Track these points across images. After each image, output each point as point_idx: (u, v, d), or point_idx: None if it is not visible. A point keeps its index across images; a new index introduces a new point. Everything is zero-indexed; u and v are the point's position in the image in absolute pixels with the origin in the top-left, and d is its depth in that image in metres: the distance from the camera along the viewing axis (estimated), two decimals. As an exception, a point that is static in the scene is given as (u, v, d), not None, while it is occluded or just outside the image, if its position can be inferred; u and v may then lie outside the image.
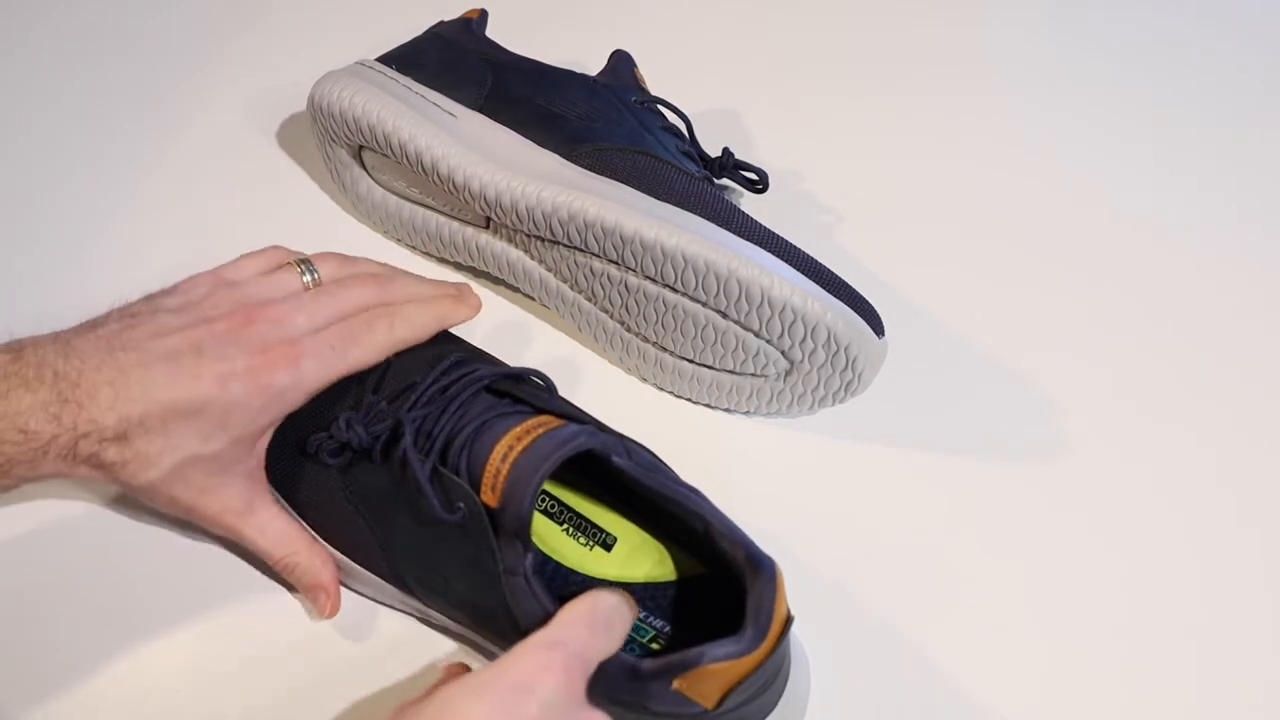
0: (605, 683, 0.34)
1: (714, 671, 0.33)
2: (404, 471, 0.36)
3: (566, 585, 0.40)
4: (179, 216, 0.53)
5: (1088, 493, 0.47)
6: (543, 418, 0.37)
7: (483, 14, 0.53)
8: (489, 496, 0.35)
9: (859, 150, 0.60)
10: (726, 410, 0.48)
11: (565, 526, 0.41)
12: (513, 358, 0.45)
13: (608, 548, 0.40)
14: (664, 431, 0.47)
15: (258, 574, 0.41)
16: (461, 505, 0.35)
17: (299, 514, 0.40)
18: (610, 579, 0.39)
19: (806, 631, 0.42)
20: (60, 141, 0.56)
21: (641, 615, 0.39)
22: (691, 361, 0.47)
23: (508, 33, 0.54)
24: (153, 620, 0.40)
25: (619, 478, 0.37)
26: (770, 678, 0.35)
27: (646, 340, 0.47)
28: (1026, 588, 0.44)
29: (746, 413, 0.48)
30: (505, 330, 0.50)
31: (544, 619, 0.34)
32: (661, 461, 0.38)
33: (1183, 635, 0.43)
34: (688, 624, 0.39)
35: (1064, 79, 0.66)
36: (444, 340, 0.43)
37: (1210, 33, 0.70)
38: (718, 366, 0.46)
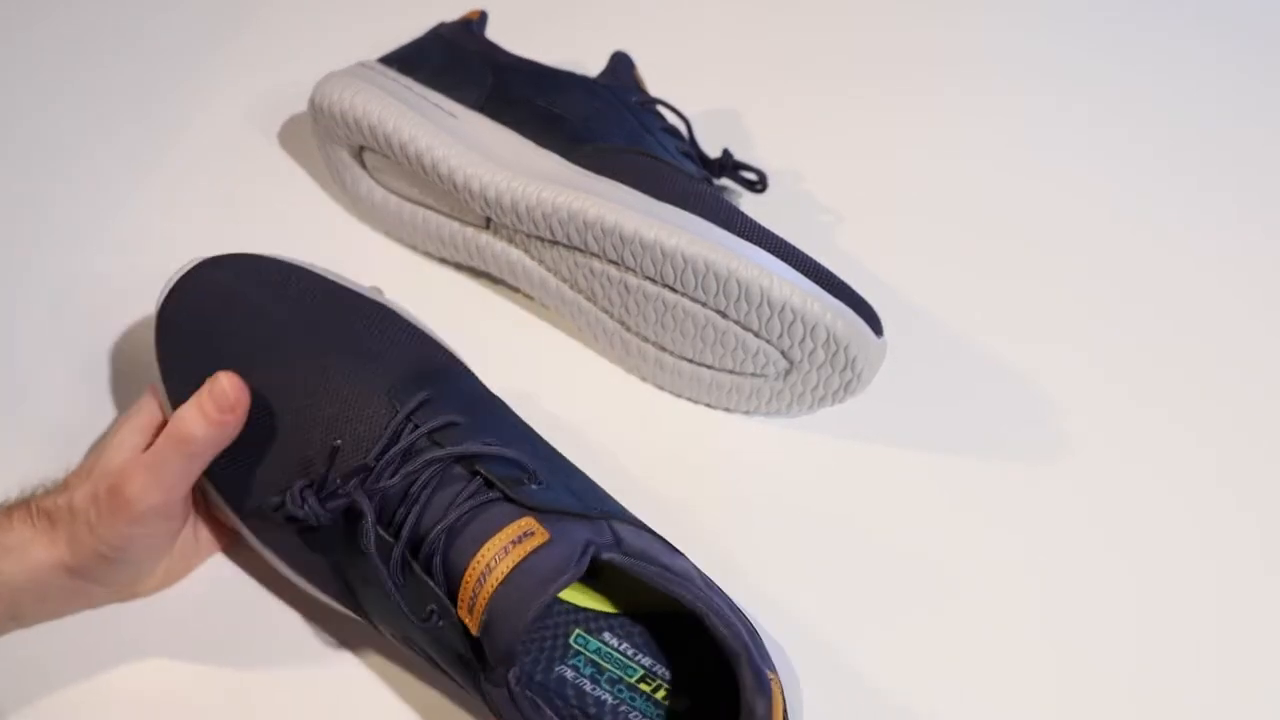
0: None
1: None
2: (369, 560, 0.33)
3: (549, 615, 0.37)
4: (179, 216, 0.53)
5: (1088, 492, 0.47)
6: (525, 523, 0.33)
7: (483, 15, 0.54)
8: (467, 618, 0.32)
9: (859, 150, 0.60)
10: (726, 410, 0.48)
11: None
12: (513, 358, 0.45)
13: (593, 575, 0.37)
14: (664, 431, 0.47)
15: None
16: (435, 612, 0.32)
17: (281, 559, 0.38)
18: (595, 609, 0.37)
19: (807, 631, 0.42)
20: (60, 141, 0.56)
21: (629, 652, 0.37)
22: (691, 361, 0.47)
23: (508, 33, 0.54)
24: (150, 629, 0.40)
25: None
26: None
27: (646, 340, 0.47)
28: (1027, 587, 0.44)
29: (746, 413, 0.48)
30: (505, 330, 0.50)
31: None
32: (653, 535, 0.36)
33: (1184, 633, 0.43)
34: (676, 661, 0.37)
35: (1064, 78, 0.66)
36: (409, 346, 0.39)
37: (1210, 32, 0.70)
38: (718, 366, 0.46)
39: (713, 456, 0.47)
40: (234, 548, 0.42)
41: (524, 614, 0.31)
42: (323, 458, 0.36)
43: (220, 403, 0.36)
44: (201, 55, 0.61)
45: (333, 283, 0.41)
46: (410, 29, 0.53)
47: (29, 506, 0.37)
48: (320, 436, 0.36)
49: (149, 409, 0.39)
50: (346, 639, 0.40)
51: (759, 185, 0.52)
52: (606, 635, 0.37)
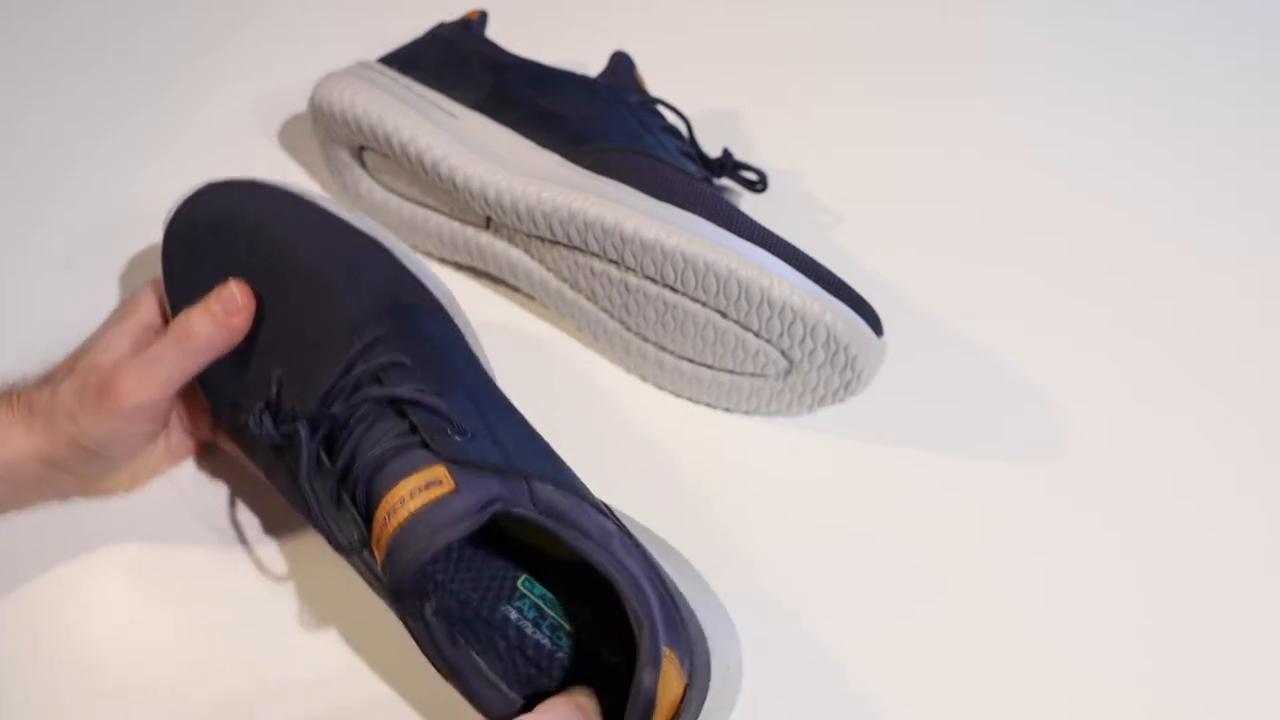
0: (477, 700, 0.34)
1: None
2: (300, 487, 0.35)
3: (501, 554, 0.39)
4: (180, 217, 0.53)
5: (1090, 489, 0.47)
6: (437, 471, 0.34)
7: (483, 15, 0.54)
8: (377, 551, 0.34)
9: (859, 150, 0.60)
10: (726, 410, 0.48)
11: None
12: (513, 357, 0.45)
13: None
14: (664, 431, 0.47)
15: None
16: (361, 541, 0.34)
17: (257, 464, 0.40)
18: (546, 553, 0.39)
19: (807, 631, 0.42)
20: (60, 141, 0.56)
21: (573, 601, 0.38)
22: (691, 361, 0.47)
23: (508, 33, 0.54)
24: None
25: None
26: None
27: (646, 340, 0.47)
28: (1027, 585, 0.44)
29: (746, 413, 0.48)
30: (505, 330, 0.50)
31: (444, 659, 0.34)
32: (576, 487, 0.36)
33: (1187, 631, 0.43)
34: (619, 617, 0.37)
35: (1064, 76, 0.66)
36: (377, 280, 0.41)
37: (1209, 30, 0.70)
38: (718, 366, 0.46)
39: (713, 456, 0.47)
40: (204, 455, 0.44)
41: (417, 558, 0.32)
42: (289, 378, 0.38)
43: (228, 306, 0.38)
44: (201, 55, 0.61)
45: (329, 212, 0.43)
46: (410, 29, 0.53)
47: (10, 396, 0.38)
48: (288, 358, 0.38)
49: (144, 310, 0.41)
50: (310, 555, 0.42)
51: (759, 185, 0.52)
52: (553, 583, 0.39)
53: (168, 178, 0.55)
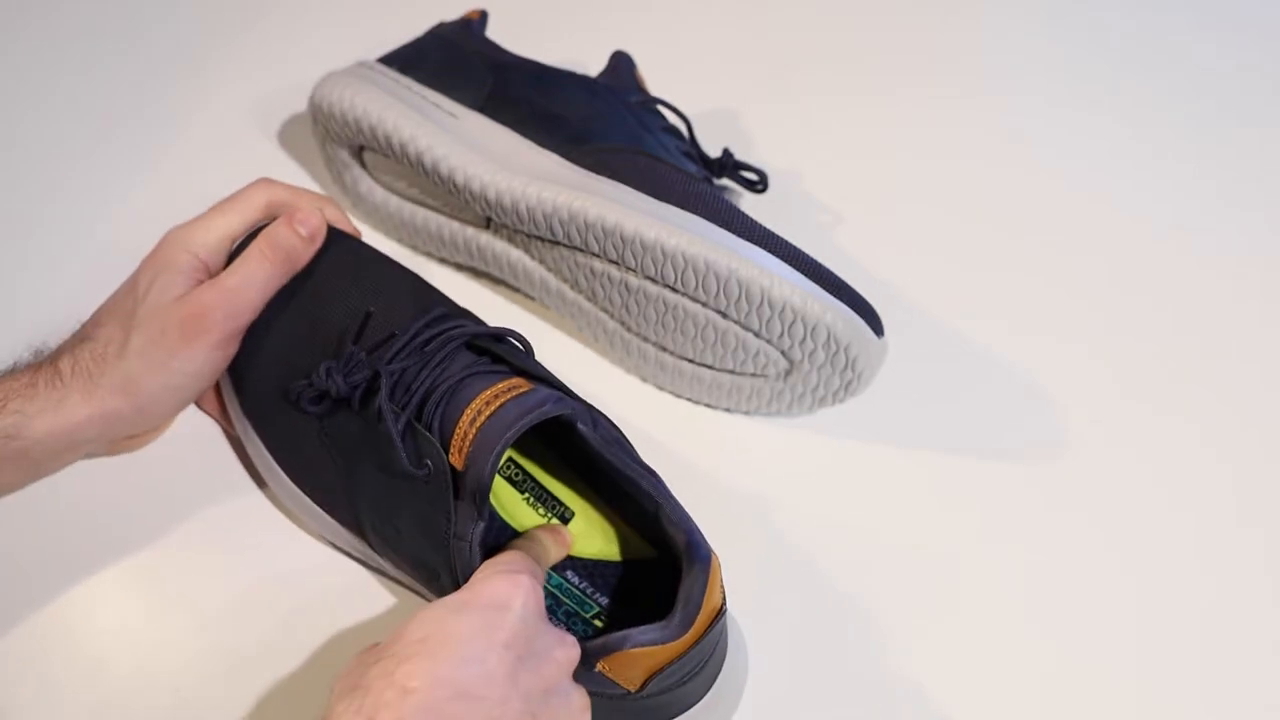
0: None
1: (637, 656, 0.33)
2: (378, 422, 0.37)
3: None
4: (180, 216, 0.53)
5: (1090, 490, 0.47)
6: (515, 380, 0.37)
7: (483, 15, 0.54)
8: (456, 458, 0.35)
9: (859, 150, 0.60)
10: (726, 410, 0.48)
11: (527, 496, 0.41)
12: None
13: (565, 521, 0.41)
14: (664, 431, 0.47)
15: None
16: (429, 463, 0.36)
17: (274, 456, 0.41)
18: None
19: (806, 630, 0.42)
20: (60, 142, 0.56)
21: (589, 590, 0.40)
22: (691, 361, 0.47)
23: (508, 33, 0.54)
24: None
25: (582, 448, 0.37)
26: (698, 665, 0.35)
27: (646, 340, 0.47)
28: (1027, 585, 0.44)
29: (746, 413, 0.48)
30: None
31: None
32: (626, 440, 0.39)
33: (1184, 632, 0.43)
34: (631, 604, 0.39)
35: (1064, 77, 0.66)
36: (426, 293, 0.43)
37: (1210, 30, 0.69)
38: (718, 366, 0.46)
39: (713, 456, 0.47)
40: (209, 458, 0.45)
41: (501, 438, 0.34)
42: (350, 336, 0.40)
43: (304, 224, 0.42)
44: (201, 55, 0.61)
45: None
46: (410, 29, 0.53)
47: (53, 367, 0.39)
48: (341, 333, 0.41)
49: (186, 258, 0.41)
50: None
51: (759, 185, 0.52)
52: (570, 573, 0.40)
53: (168, 177, 0.55)
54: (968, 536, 0.45)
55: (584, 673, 0.34)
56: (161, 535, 0.43)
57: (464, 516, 0.35)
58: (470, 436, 0.35)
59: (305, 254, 0.42)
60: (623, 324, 0.47)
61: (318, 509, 0.41)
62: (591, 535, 0.41)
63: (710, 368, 0.46)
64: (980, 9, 0.70)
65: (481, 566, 0.34)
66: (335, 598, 0.42)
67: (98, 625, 0.41)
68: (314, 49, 0.59)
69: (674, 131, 0.51)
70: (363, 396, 0.38)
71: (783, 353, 0.44)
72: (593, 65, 0.53)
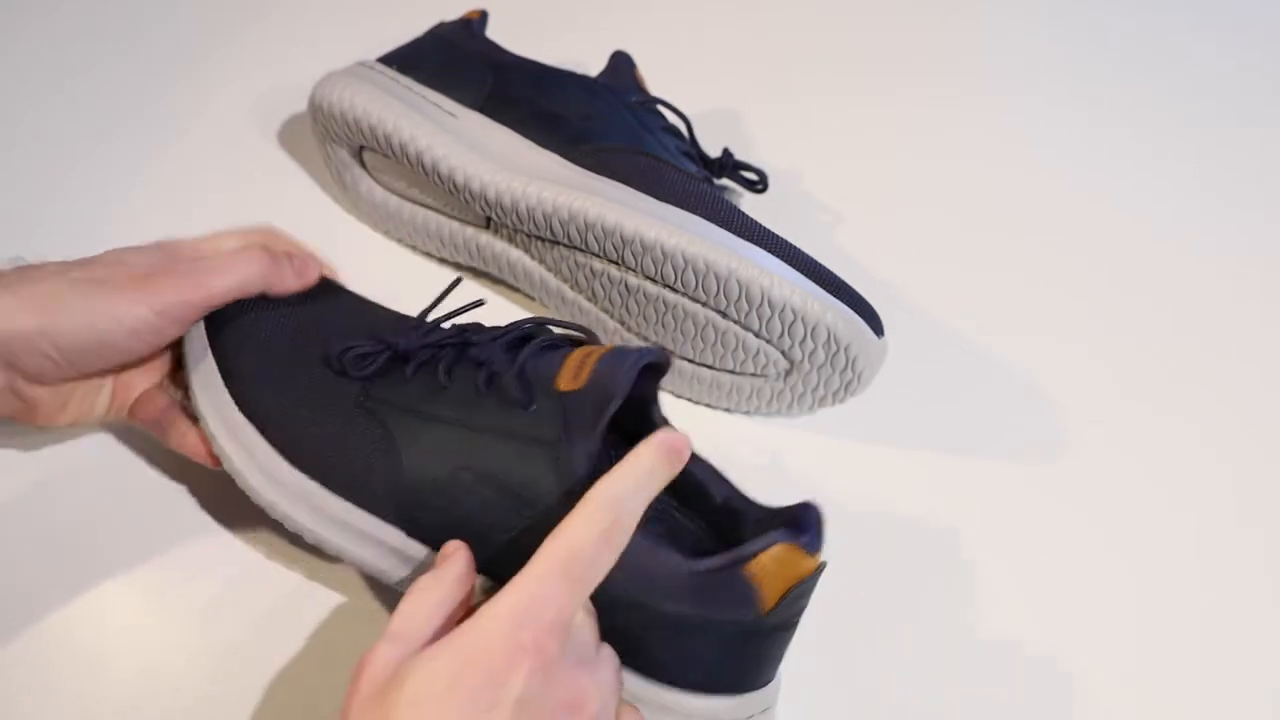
0: (662, 586, 0.34)
1: (785, 559, 0.33)
2: (444, 377, 0.36)
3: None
4: (180, 216, 0.53)
5: (1090, 490, 0.47)
6: (593, 346, 0.37)
7: (483, 15, 0.54)
8: (570, 383, 0.35)
9: (859, 150, 0.60)
10: (727, 410, 0.48)
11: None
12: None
13: None
14: (664, 431, 0.47)
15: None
16: (532, 398, 0.35)
17: (287, 455, 0.37)
18: None
19: (805, 630, 0.42)
20: (60, 142, 0.56)
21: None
22: (691, 361, 0.47)
23: (508, 33, 0.54)
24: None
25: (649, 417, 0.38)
26: (803, 606, 0.35)
27: (646, 340, 0.47)
28: (1026, 586, 0.44)
29: (746, 413, 0.48)
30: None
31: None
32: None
33: (1183, 632, 0.43)
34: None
35: (1063, 77, 0.66)
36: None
37: (1210, 31, 0.70)
38: (718, 366, 0.46)
39: (713, 456, 0.47)
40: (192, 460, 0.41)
41: (631, 359, 0.35)
42: (409, 324, 0.39)
43: (299, 264, 0.40)
44: (201, 55, 0.61)
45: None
46: (410, 29, 0.53)
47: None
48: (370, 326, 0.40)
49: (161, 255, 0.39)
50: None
51: (759, 185, 0.52)
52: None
53: (168, 177, 0.55)
54: (968, 536, 0.45)
55: (727, 583, 0.33)
56: (162, 535, 0.43)
57: (578, 430, 0.34)
58: (589, 365, 0.35)
59: (288, 281, 0.39)
60: (622, 324, 0.47)
61: (340, 500, 0.37)
62: None
63: (710, 368, 0.46)
64: (980, 9, 0.70)
65: (492, 607, 0.29)
66: (338, 593, 0.42)
67: (98, 625, 0.41)
68: (314, 49, 0.59)
69: (674, 131, 0.51)
70: (419, 363, 0.37)
71: (783, 353, 0.44)
72: (593, 65, 0.53)
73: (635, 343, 0.47)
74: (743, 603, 0.34)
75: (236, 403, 0.38)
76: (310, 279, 0.40)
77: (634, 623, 0.34)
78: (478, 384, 0.36)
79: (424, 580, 0.32)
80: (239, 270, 0.38)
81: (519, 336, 0.38)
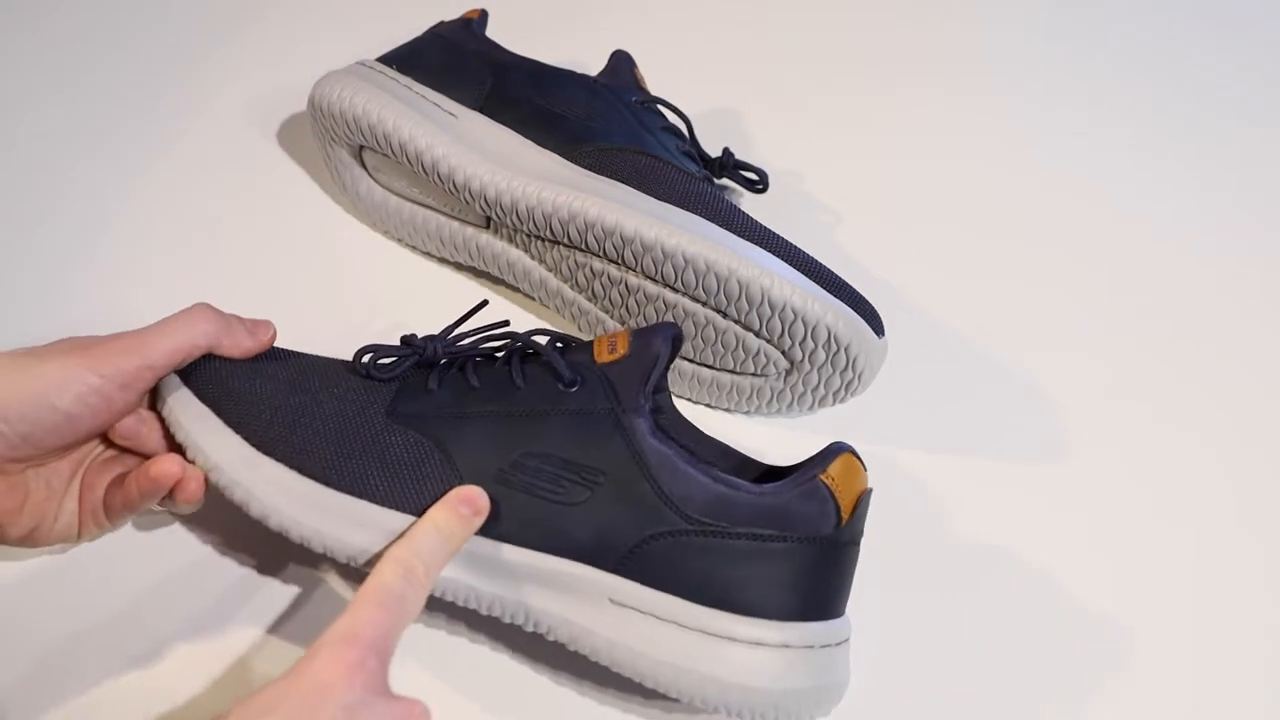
0: (736, 519, 0.35)
1: (850, 468, 0.37)
2: (501, 365, 0.38)
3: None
4: (180, 216, 0.53)
5: (1089, 492, 0.47)
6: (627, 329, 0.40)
7: (483, 14, 0.54)
8: (608, 356, 0.37)
9: (859, 150, 0.60)
10: (727, 410, 0.48)
11: None
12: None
13: None
14: (664, 431, 0.47)
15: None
16: (576, 377, 0.37)
17: (298, 468, 0.37)
18: None
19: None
20: (60, 142, 0.56)
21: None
22: (691, 361, 0.47)
23: (508, 33, 0.54)
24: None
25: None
26: (863, 526, 0.37)
27: (647, 340, 0.47)
28: (1027, 585, 0.44)
29: (746, 413, 0.48)
30: (505, 330, 0.50)
31: (672, 461, 0.36)
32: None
33: (1182, 634, 0.43)
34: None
35: (1064, 79, 0.66)
36: None
37: (1210, 32, 0.70)
38: (718, 366, 0.46)
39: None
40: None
41: (662, 329, 0.37)
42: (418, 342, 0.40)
43: (254, 328, 0.39)
44: (201, 55, 0.61)
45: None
46: (410, 29, 0.53)
47: None
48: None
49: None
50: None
51: (759, 185, 0.52)
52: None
53: (168, 177, 0.55)
54: (968, 537, 0.45)
55: (807, 493, 0.36)
56: (162, 532, 0.43)
57: (629, 393, 0.37)
58: (622, 336, 0.38)
59: (241, 340, 0.39)
60: (622, 323, 0.47)
61: (363, 503, 0.37)
62: None
63: (710, 368, 0.46)
64: (980, 9, 0.70)
65: (322, 638, 0.31)
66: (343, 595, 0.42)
67: (98, 624, 0.41)
68: (314, 49, 0.59)
69: (674, 131, 0.51)
70: (443, 370, 0.39)
71: (783, 352, 0.44)
72: (593, 65, 0.53)
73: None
74: (821, 516, 0.36)
75: (256, 446, 0.38)
76: (264, 338, 0.39)
77: (717, 561, 0.35)
78: (511, 377, 0.38)
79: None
80: (181, 330, 0.37)
81: (524, 348, 0.39)
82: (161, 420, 0.39)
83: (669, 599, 0.35)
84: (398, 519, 0.36)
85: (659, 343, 0.37)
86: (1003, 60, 0.67)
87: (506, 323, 0.41)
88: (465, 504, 0.35)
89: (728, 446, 0.41)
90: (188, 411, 0.38)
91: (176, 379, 0.39)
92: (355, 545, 0.36)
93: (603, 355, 0.37)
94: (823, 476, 0.36)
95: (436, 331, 0.41)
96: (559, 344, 0.39)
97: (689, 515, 0.35)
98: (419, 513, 0.36)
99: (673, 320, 0.42)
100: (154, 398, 0.39)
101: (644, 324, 0.46)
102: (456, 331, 0.41)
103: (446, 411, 0.38)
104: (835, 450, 0.37)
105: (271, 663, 0.40)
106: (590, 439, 0.36)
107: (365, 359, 0.39)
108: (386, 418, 0.38)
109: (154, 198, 0.54)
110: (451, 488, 0.36)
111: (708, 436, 0.41)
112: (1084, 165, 0.61)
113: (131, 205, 0.53)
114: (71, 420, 0.36)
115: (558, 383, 0.37)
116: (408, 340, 0.40)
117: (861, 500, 0.37)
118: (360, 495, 0.36)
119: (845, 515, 0.36)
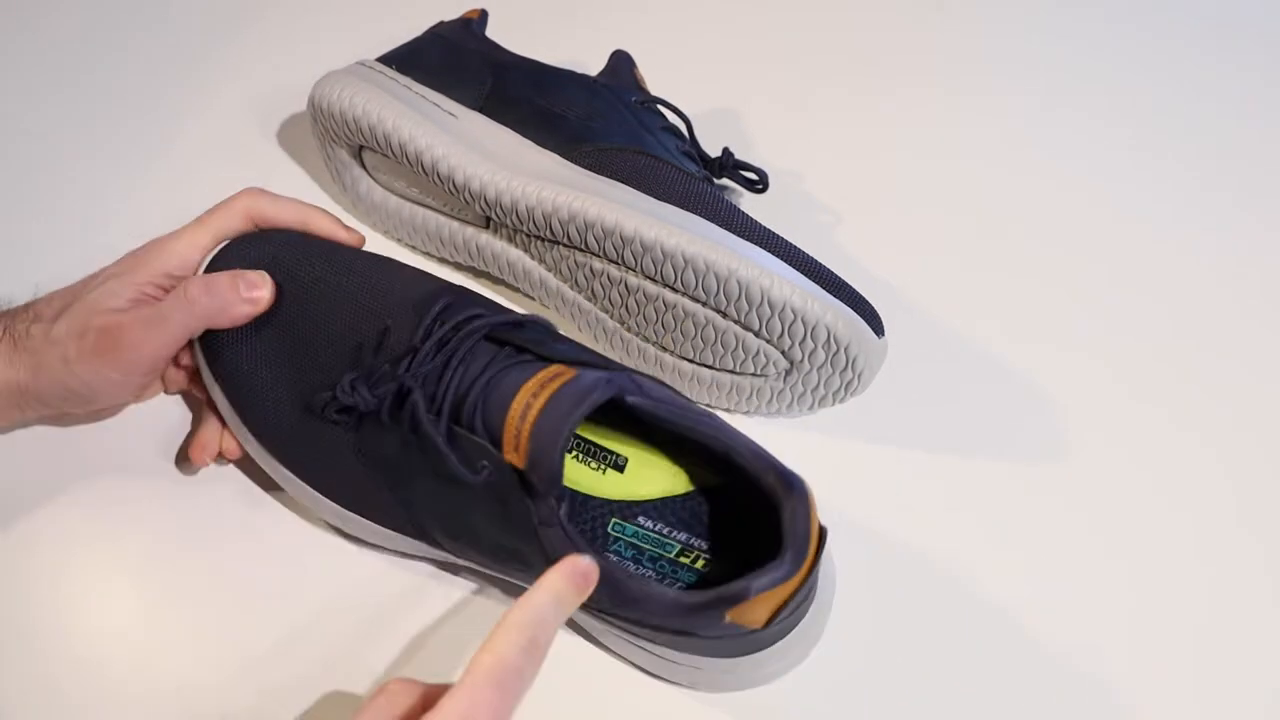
0: (655, 613, 0.35)
1: (763, 600, 0.34)
2: (416, 433, 0.36)
3: (585, 510, 0.40)
4: (180, 216, 0.52)
5: (1089, 492, 0.47)
6: (554, 368, 0.36)
7: (483, 14, 0.54)
8: (513, 457, 0.34)
9: (859, 150, 0.60)
10: (726, 410, 0.48)
11: (575, 453, 0.41)
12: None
13: (620, 469, 0.41)
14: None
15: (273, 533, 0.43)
16: (486, 464, 0.35)
17: (304, 476, 0.40)
18: (626, 499, 0.40)
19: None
20: (60, 142, 0.56)
21: (665, 531, 0.40)
22: (691, 361, 0.47)
23: (508, 33, 0.54)
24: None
25: (631, 411, 0.37)
26: (811, 589, 0.36)
27: (646, 340, 0.47)
28: (1027, 586, 0.44)
29: (746, 413, 0.48)
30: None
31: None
32: (672, 389, 0.39)
33: (1182, 635, 0.43)
34: (713, 532, 0.40)
35: (1064, 78, 0.66)
36: (428, 285, 0.42)
37: (1210, 32, 0.70)
38: (718, 366, 0.46)
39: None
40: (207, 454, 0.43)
41: (563, 430, 0.34)
42: (369, 349, 0.39)
43: (248, 280, 0.40)
44: (201, 55, 0.61)
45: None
46: (410, 29, 0.53)
47: None
48: (356, 343, 0.40)
49: (148, 270, 0.41)
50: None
51: (759, 185, 0.52)
52: (641, 519, 0.40)
53: (168, 177, 0.55)
54: (968, 537, 0.45)
55: (711, 623, 0.35)
56: (163, 533, 0.43)
57: (542, 506, 0.35)
58: (525, 433, 0.34)
59: (238, 311, 0.40)
60: (622, 323, 0.47)
61: (371, 524, 0.40)
62: (652, 477, 0.40)
63: (710, 367, 0.46)
64: (980, 9, 0.70)
65: (469, 675, 0.30)
66: (351, 593, 0.42)
67: (98, 625, 0.41)
68: (314, 49, 0.59)
69: (674, 131, 0.51)
70: (391, 409, 0.37)
71: (783, 352, 0.44)
72: (593, 65, 0.53)
73: (635, 342, 0.47)
74: (732, 629, 0.35)
75: (257, 437, 0.41)
76: (261, 302, 0.40)
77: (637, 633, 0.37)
78: (437, 446, 0.36)
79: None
80: (174, 320, 0.39)
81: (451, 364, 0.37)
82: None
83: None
84: (385, 534, 0.41)
85: (552, 456, 0.34)
86: (1003, 60, 0.67)
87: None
88: (583, 577, 0.34)
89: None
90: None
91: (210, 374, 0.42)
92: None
93: (509, 450, 0.35)
94: (728, 616, 0.34)
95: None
96: (511, 323, 0.38)
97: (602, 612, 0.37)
98: (405, 531, 0.40)
99: (607, 376, 0.36)
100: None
101: (644, 324, 0.46)
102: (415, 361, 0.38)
103: (395, 461, 0.38)
104: (740, 592, 0.34)
105: (280, 666, 0.40)
106: (514, 531, 0.36)
107: (320, 407, 0.39)
108: (355, 455, 0.39)
109: (154, 198, 0.54)
110: (418, 526, 0.38)
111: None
112: (1084, 164, 0.61)
113: (131, 205, 0.53)
114: (112, 399, 0.41)
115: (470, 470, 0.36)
116: (337, 394, 0.38)
117: (785, 606, 0.35)
118: (352, 511, 0.41)
119: (763, 624, 0.35)
